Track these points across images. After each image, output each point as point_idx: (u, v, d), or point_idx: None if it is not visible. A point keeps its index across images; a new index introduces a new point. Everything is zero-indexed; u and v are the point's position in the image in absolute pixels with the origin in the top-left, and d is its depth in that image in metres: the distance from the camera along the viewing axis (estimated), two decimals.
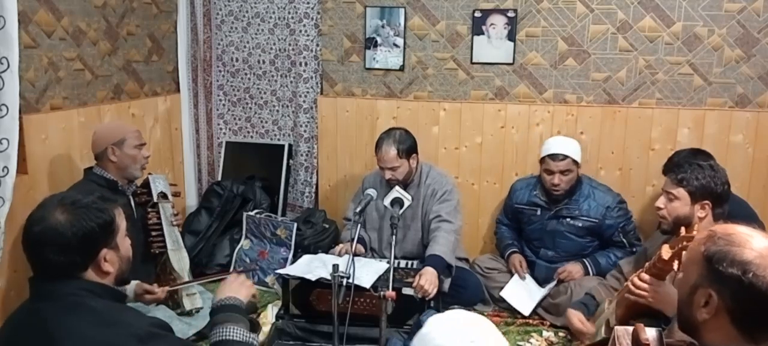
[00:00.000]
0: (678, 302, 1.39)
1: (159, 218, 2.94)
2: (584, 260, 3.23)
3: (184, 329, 2.81)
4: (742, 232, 1.30)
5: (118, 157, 2.75)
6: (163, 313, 2.79)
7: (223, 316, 1.66)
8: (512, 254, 3.42)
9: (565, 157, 3.16)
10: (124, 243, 1.62)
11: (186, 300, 2.94)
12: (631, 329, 1.43)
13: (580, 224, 3.23)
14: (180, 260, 2.96)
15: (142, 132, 2.93)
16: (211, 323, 1.69)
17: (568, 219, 3.25)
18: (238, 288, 1.76)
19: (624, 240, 3.22)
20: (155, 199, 2.96)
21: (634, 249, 3.19)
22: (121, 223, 1.61)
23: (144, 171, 2.88)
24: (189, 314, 2.91)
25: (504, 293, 3.25)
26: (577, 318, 2.50)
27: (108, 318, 1.47)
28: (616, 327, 1.50)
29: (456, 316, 1.22)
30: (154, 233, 2.91)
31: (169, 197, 3.03)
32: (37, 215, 1.51)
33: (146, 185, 2.99)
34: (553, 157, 3.17)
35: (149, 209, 2.94)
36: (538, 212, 3.33)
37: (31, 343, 1.44)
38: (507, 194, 3.57)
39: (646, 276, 2.11)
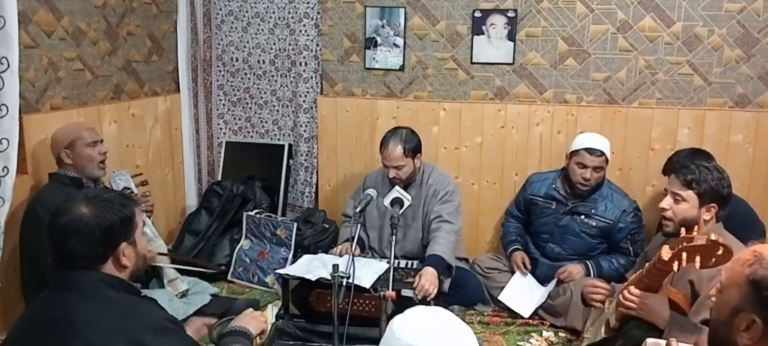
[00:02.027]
0: (714, 321, 1.35)
1: None
2: (587, 262, 3.22)
3: (185, 309, 2.84)
4: None
5: (72, 159, 2.74)
6: (164, 294, 2.82)
7: (232, 339, 1.81)
8: (515, 251, 3.41)
9: (602, 153, 3.14)
10: (141, 241, 1.68)
11: (169, 286, 2.98)
12: (662, 342, 1.42)
13: (594, 223, 3.21)
14: (156, 249, 2.99)
15: (96, 129, 2.90)
16: (218, 342, 1.83)
17: (582, 216, 3.23)
18: (250, 320, 1.89)
19: (631, 248, 3.19)
20: None
21: (638, 259, 3.18)
22: (140, 221, 1.67)
23: (103, 168, 2.84)
24: (184, 294, 2.94)
25: (502, 297, 3.24)
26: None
27: (126, 309, 1.55)
28: (647, 339, 1.49)
29: (419, 312, 1.21)
30: None
31: (134, 189, 3.02)
32: (63, 207, 1.58)
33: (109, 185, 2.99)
34: (591, 151, 3.13)
35: None
36: (553, 206, 3.31)
37: (53, 328, 1.50)
38: (522, 185, 3.54)
39: (635, 290, 2.13)
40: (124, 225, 1.59)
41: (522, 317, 3.20)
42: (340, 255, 3.06)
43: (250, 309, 1.99)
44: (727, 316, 1.28)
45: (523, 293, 3.28)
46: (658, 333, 2.08)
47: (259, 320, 1.91)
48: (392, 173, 3.10)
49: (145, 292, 2.75)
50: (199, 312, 2.86)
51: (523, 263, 3.35)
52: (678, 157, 3.11)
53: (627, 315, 2.22)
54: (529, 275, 3.34)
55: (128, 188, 2.98)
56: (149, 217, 3.04)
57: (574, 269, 3.21)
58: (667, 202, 2.32)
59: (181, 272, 3.10)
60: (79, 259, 1.54)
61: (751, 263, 1.25)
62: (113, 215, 1.57)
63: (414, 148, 3.13)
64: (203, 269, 3.30)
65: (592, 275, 3.17)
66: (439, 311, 1.21)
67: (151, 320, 1.55)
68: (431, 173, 3.25)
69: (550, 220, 3.33)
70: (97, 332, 1.47)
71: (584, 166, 3.15)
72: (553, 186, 3.33)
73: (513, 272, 3.37)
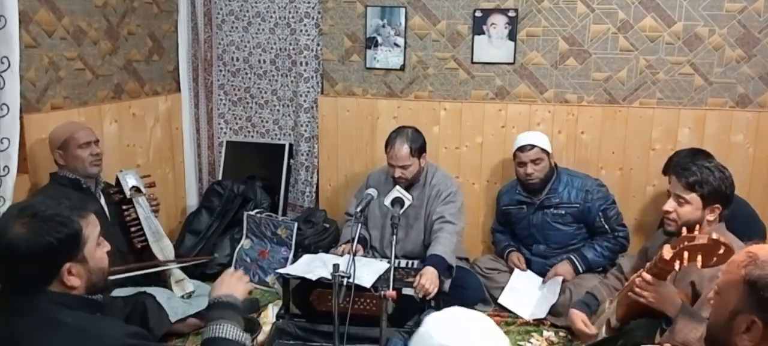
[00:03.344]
0: (712, 325, 1.35)
1: (136, 214, 2.94)
2: (571, 256, 3.26)
3: (185, 308, 2.85)
4: None
5: (65, 160, 2.74)
6: (163, 293, 2.82)
7: (219, 312, 1.64)
8: (510, 252, 3.46)
9: (533, 146, 3.26)
10: (96, 254, 1.54)
11: (176, 287, 2.96)
12: None
13: (563, 211, 3.29)
14: (163, 249, 2.98)
15: (94, 129, 2.86)
16: (206, 319, 1.67)
17: (551, 209, 3.31)
18: (235, 284, 1.72)
19: (605, 226, 3.25)
20: (128, 195, 2.94)
21: (616, 234, 3.27)
22: (92, 233, 1.53)
23: (96, 165, 2.81)
24: (189, 296, 2.94)
25: (502, 300, 3.26)
26: (580, 320, 2.48)
27: (80, 332, 1.43)
28: None
29: (454, 313, 1.21)
30: (133, 230, 2.91)
31: (143, 189, 3.01)
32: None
33: (118, 183, 2.98)
34: (522, 149, 3.29)
35: (124, 207, 2.94)
36: (524, 209, 3.39)
37: None
38: (495, 202, 3.62)
39: (647, 276, 2.10)
40: (64, 245, 1.44)
41: (522, 317, 3.20)
42: (342, 255, 3.06)
43: (228, 271, 1.80)
44: (725, 319, 1.27)
45: (522, 294, 3.28)
46: (653, 335, 2.07)
47: (242, 281, 1.75)
48: (398, 173, 3.10)
49: (146, 289, 2.76)
50: (198, 315, 2.87)
51: (519, 261, 3.39)
52: (678, 157, 3.11)
53: (633, 308, 2.21)
54: (529, 272, 3.37)
55: (136, 186, 2.98)
56: (155, 215, 3.03)
57: (562, 269, 3.24)
58: (670, 205, 2.29)
59: (183, 269, 3.11)
60: (19, 283, 1.44)
61: (746, 264, 1.25)
62: (49, 236, 1.42)
63: (420, 148, 3.14)
64: (202, 261, 3.31)
65: (580, 270, 3.23)
66: (476, 315, 1.20)
67: (110, 340, 1.44)
68: (435, 174, 3.25)
69: (525, 223, 3.42)
70: None
71: (523, 164, 3.29)
72: (517, 191, 3.43)
73: (511, 271, 3.38)
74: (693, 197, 2.23)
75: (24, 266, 1.42)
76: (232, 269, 1.83)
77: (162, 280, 2.99)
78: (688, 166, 2.31)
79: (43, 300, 1.44)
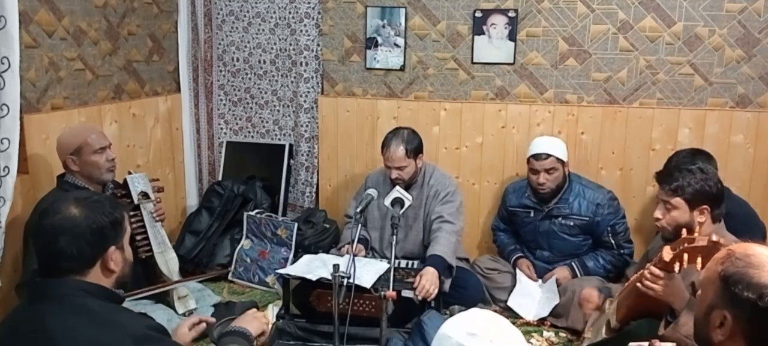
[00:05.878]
0: (695, 319, 1.38)
1: (142, 220, 2.84)
2: (572, 263, 3.25)
3: None
4: (760, 253, 1.26)
5: (79, 166, 2.64)
6: (163, 312, 2.78)
7: (230, 338, 1.78)
8: (519, 259, 3.41)
9: (549, 156, 3.19)
10: (128, 247, 1.65)
11: (178, 303, 2.88)
12: (645, 344, 1.43)
13: (572, 223, 3.25)
14: (168, 262, 2.89)
15: (104, 133, 2.76)
16: (219, 342, 1.80)
17: (559, 219, 3.27)
18: (251, 321, 1.86)
19: (612, 241, 3.23)
20: (136, 201, 2.85)
21: (622, 251, 3.24)
22: (128, 227, 1.64)
23: (111, 171, 2.73)
24: (191, 312, 2.90)
25: (511, 303, 3.23)
26: (589, 290, 2.50)
27: (105, 319, 1.49)
28: (631, 344, 1.50)
29: (474, 315, 1.23)
30: (138, 237, 2.81)
31: (151, 195, 2.93)
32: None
33: (125, 186, 2.87)
34: (537, 156, 3.21)
35: (131, 213, 2.82)
36: (531, 214, 3.35)
37: (30, 343, 1.45)
38: (501, 198, 3.59)
39: (655, 270, 2.09)
40: (114, 228, 1.57)
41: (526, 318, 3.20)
42: (343, 255, 3.06)
43: (253, 309, 1.97)
44: (703, 313, 1.31)
45: (527, 299, 3.26)
46: (654, 333, 2.07)
47: (260, 321, 1.89)
48: (394, 174, 3.10)
49: (147, 308, 2.70)
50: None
51: (529, 269, 3.35)
52: (678, 157, 3.11)
53: (634, 308, 2.20)
54: (539, 281, 3.33)
55: (145, 192, 2.90)
56: (161, 225, 2.95)
57: (560, 274, 3.24)
58: (659, 211, 2.34)
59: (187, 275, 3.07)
60: (67, 260, 1.50)
61: (723, 261, 1.28)
62: (104, 216, 1.54)
63: (415, 149, 3.14)
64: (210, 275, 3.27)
65: (578, 276, 3.21)
66: (496, 317, 1.22)
67: (131, 329, 1.49)
68: (433, 174, 3.25)
69: (531, 228, 3.38)
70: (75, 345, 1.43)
71: (536, 172, 3.22)
72: (526, 195, 3.37)
73: (513, 273, 3.37)
74: (678, 201, 2.27)
75: (77, 243, 1.49)
76: (254, 310, 2.00)
77: (164, 295, 2.91)
78: (671, 172, 2.38)
79: (72, 287, 1.51)
